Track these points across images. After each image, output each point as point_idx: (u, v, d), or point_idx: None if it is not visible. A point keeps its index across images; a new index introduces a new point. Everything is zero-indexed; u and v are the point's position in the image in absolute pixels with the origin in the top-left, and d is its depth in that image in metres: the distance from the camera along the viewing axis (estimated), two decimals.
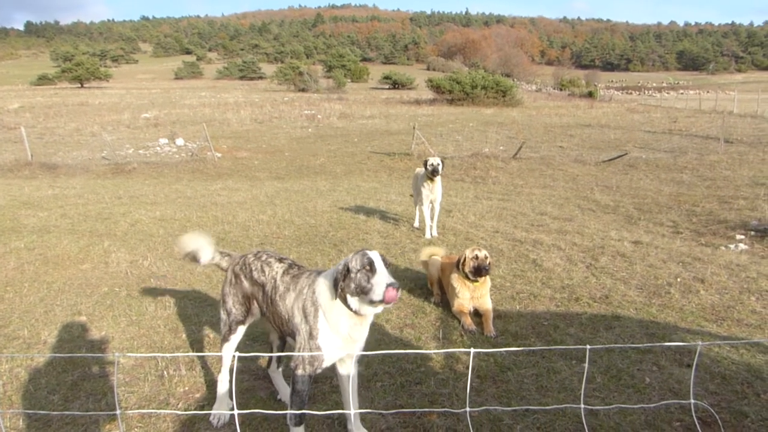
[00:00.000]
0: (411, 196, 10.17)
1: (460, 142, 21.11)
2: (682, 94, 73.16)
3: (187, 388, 4.01)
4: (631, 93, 77.96)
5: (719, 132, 20.33)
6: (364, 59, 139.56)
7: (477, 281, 5.17)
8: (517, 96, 43.87)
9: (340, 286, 2.95)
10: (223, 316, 3.69)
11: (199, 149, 19.75)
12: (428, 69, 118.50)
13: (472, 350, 2.13)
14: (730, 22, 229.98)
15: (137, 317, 5.34)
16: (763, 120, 28.95)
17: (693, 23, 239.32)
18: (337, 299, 3.00)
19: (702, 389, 3.87)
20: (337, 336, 3.05)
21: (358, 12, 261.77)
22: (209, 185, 13.96)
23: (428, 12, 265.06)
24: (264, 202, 11.37)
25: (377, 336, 4.85)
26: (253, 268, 3.51)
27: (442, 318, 5.25)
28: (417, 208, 8.99)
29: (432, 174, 8.32)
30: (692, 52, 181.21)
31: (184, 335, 4.92)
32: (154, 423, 3.55)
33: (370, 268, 2.89)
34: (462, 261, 5.24)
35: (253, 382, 4.08)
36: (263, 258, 3.54)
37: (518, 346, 4.14)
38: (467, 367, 4.21)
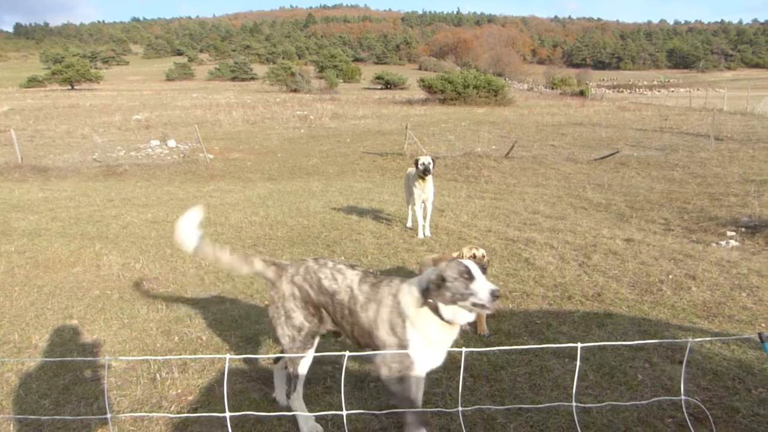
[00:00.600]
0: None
1: (452, 142, 21.14)
2: (672, 92, 73.55)
3: (179, 391, 3.99)
4: (622, 91, 78.31)
5: (709, 129, 20.46)
6: (356, 59, 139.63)
7: None
8: (508, 95, 43.96)
9: (432, 295, 2.91)
10: (291, 332, 3.35)
11: (191, 151, 19.68)
12: (420, 69, 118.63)
13: (464, 349, 2.13)
14: (719, 20, 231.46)
15: (129, 320, 5.31)
16: (753, 117, 29.16)
17: (683, 22, 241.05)
18: (426, 309, 2.96)
19: (694, 385, 3.88)
20: (428, 346, 3.02)
21: (349, 12, 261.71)
22: (201, 187, 13.92)
23: (420, 12, 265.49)
24: (256, 203, 11.34)
25: None
26: (322, 276, 3.31)
27: None
28: (409, 207, 8.99)
29: (423, 173, 8.33)
30: (682, 50, 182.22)
31: (176, 338, 4.90)
32: (147, 426, 3.53)
33: (468, 275, 2.87)
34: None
35: (246, 384, 4.06)
36: (330, 265, 3.36)
37: (511, 345, 4.15)
38: (460, 367, 4.21)
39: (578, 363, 2.20)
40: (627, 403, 3.16)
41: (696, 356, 4.30)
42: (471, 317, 2.97)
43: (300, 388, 3.44)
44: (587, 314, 5.25)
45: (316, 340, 3.45)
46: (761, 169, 13.77)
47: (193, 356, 4.46)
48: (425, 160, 8.40)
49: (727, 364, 4.19)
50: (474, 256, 5.06)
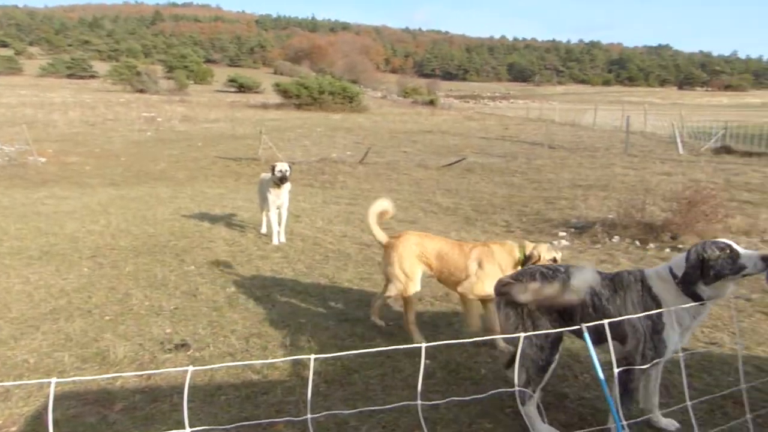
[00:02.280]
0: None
1: (308, 147, 21.14)
2: (512, 103, 79.53)
3: (0, 422, 3.57)
4: (468, 101, 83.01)
5: (544, 139, 22.45)
6: (208, 61, 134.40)
7: None
8: (363, 102, 44.93)
9: (693, 277, 3.08)
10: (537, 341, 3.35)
11: (18, 153, 17.75)
12: (275, 73, 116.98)
13: (312, 356, 2.13)
14: (551, 39, 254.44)
15: None
16: (580, 128, 32.42)
17: (521, 38, 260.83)
18: (678, 291, 3.15)
19: None
20: (678, 327, 3.18)
21: (200, 11, 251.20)
22: (31, 193, 12.58)
23: (274, 15, 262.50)
24: (97, 210, 10.49)
25: (221, 349, 4.68)
26: None
27: (289, 325, 5.19)
28: (263, 213, 8.83)
29: (280, 181, 8.21)
30: (520, 64, 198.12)
31: None
32: None
33: (730, 250, 3.03)
34: (535, 259, 4.66)
35: (80, 408, 3.72)
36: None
37: (364, 348, 4.22)
38: (315, 373, 4.20)
39: (422, 362, 2.28)
40: (468, 398, 3.35)
41: None
42: (728, 293, 3.21)
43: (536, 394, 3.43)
44: (436, 314, 5.49)
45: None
46: (587, 175, 15.31)
47: (15, 382, 4.01)
48: (282, 166, 8.29)
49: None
50: (555, 260, 4.68)
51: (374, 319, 5.25)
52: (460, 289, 4.79)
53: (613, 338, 3.19)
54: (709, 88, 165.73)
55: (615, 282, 3.38)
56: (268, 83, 58.39)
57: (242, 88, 66.34)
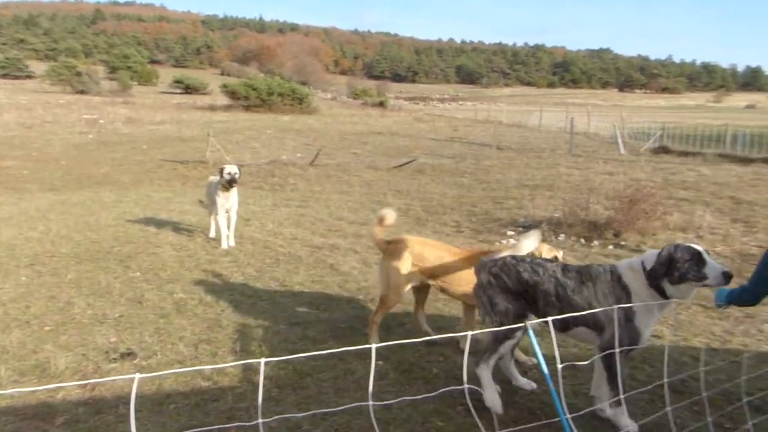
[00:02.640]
0: (200, 201, 9.72)
1: (257, 149, 20.86)
2: (461, 105, 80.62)
3: None
4: (418, 103, 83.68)
5: (492, 140, 22.83)
6: (153, 61, 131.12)
7: None
8: (313, 104, 44.64)
9: (658, 274, 3.28)
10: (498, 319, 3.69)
11: None
12: (223, 74, 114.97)
13: (263, 360, 2.10)
14: (498, 41, 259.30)
15: None
16: (526, 129, 33.15)
17: (468, 41, 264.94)
18: (646, 284, 3.36)
19: None
20: (650, 318, 3.41)
21: (143, 11, 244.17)
22: None
23: (221, 15, 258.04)
24: (35, 216, 10.07)
25: (169, 356, 4.57)
26: (521, 270, 3.65)
27: (240, 330, 5.12)
28: (212, 217, 8.67)
29: (229, 184, 8.06)
30: (468, 67, 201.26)
31: None
32: None
33: (699, 258, 3.23)
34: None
35: (18, 424, 3.57)
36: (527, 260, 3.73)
37: (316, 351, 4.18)
38: (266, 378, 4.15)
39: (372, 363, 2.29)
40: (420, 397, 3.38)
41: (483, 346, 4.73)
42: (692, 295, 3.42)
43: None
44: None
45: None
46: (533, 175, 15.66)
47: None
48: (231, 169, 8.14)
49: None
50: (556, 258, 4.62)
51: (425, 329, 5.02)
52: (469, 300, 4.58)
53: (591, 328, 3.52)
54: (648, 91, 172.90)
55: (582, 273, 3.57)
56: (216, 84, 57.33)
57: (189, 89, 64.93)
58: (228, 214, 8.22)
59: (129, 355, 4.56)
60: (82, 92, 53.11)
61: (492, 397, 3.68)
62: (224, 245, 8.05)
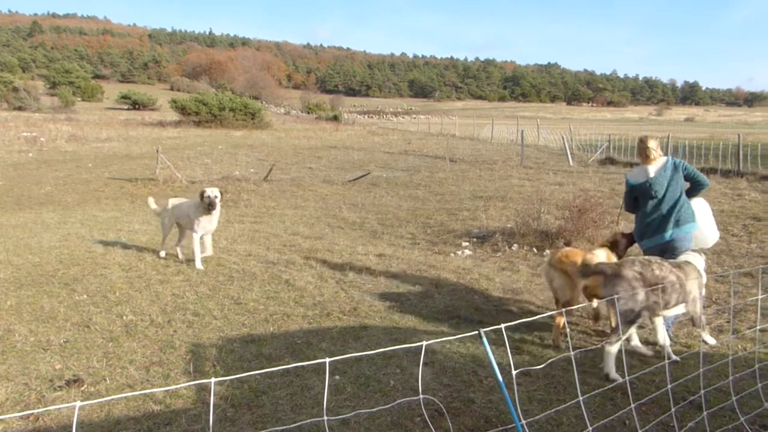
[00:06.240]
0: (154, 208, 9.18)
1: (209, 166, 20.52)
2: (414, 118, 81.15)
3: None
4: (371, 117, 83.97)
5: (445, 152, 23.08)
6: (97, 76, 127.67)
7: None
8: (266, 118, 44.31)
9: None
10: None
11: None
12: (172, 89, 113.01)
13: (213, 380, 2.04)
14: (449, 56, 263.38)
15: None
16: (479, 142, 33.67)
17: (420, 56, 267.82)
18: None
19: (438, 383, 4.29)
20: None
21: (86, 24, 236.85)
22: None
23: (169, 29, 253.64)
24: None
25: (119, 381, 4.41)
26: (655, 269, 4.47)
27: (192, 351, 4.98)
28: (163, 237, 8.46)
29: (209, 207, 7.80)
30: (421, 81, 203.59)
31: None
32: None
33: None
34: (616, 242, 5.79)
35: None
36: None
37: (271, 368, 4.13)
38: (221, 398, 4.06)
39: (327, 377, 2.26)
40: (375, 409, 3.36)
41: (438, 356, 4.76)
42: None
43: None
44: (345, 329, 5.47)
45: None
46: (486, 187, 15.90)
47: None
48: (212, 192, 7.83)
49: (463, 360, 4.71)
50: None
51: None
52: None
53: (679, 303, 4.60)
54: (594, 104, 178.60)
55: (680, 269, 4.63)
56: (165, 100, 56.19)
57: (136, 105, 63.47)
58: (204, 237, 8.00)
59: (75, 381, 4.37)
60: (19, 108, 51.12)
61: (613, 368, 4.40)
62: (198, 266, 7.70)
